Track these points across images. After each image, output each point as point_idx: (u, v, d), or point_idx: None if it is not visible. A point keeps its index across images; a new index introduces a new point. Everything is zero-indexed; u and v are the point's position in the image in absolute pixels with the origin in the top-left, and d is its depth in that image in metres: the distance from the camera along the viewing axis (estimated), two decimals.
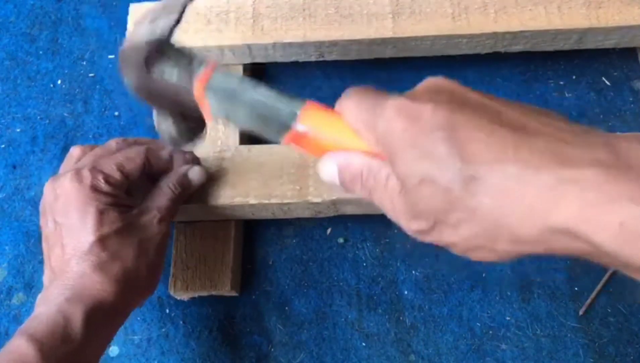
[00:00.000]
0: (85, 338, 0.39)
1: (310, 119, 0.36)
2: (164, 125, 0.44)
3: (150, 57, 0.40)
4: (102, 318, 0.41)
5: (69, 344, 0.38)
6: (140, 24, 0.41)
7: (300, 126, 0.36)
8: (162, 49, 0.40)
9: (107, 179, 0.43)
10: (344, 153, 0.34)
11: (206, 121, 0.41)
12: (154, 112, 0.44)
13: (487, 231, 0.28)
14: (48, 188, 0.44)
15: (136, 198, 0.47)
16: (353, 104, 0.33)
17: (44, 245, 0.44)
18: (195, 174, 0.49)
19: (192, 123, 0.44)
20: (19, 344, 0.38)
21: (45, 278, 0.44)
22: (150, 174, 0.48)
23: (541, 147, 0.27)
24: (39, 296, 0.42)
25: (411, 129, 0.30)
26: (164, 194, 0.47)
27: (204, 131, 0.46)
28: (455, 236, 0.30)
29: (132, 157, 0.46)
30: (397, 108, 0.30)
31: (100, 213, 0.42)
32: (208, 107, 0.39)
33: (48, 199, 0.44)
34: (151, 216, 0.45)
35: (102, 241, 0.41)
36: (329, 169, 0.35)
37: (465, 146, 0.28)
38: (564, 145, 0.27)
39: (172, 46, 0.41)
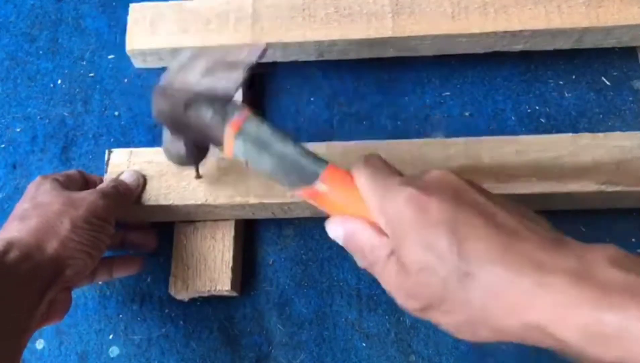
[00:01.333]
0: None
1: (330, 181, 0.39)
2: (175, 147, 0.47)
3: (192, 100, 0.42)
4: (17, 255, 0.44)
5: None
6: (188, 69, 0.43)
7: (320, 186, 0.39)
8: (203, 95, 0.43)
9: (61, 174, 0.53)
10: (352, 223, 0.37)
11: (227, 157, 0.44)
12: (166, 134, 0.47)
13: (472, 321, 0.32)
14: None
15: None
16: (366, 181, 0.37)
17: None
18: (125, 175, 0.54)
19: (201, 149, 0.49)
20: None
21: None
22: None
23: (525, 253, 0.31)
24: None
25: (418, 219, 0.33)
26: (101, 185, 0.53)
27: (206, 154, 0.50)
28: (444, 320, 0.34)
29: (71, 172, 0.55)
30: (407, 198, 0.34)
31: (42, 185, 0.50)
32: (232, 148, 0.42)
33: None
34: (89, 191, 0.50)
35: (32, 199, 0.48)
36: (336, 231, 0.39)
37: (463, 244, 0.32)
38: (543, 253, 0.31)
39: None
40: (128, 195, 0.52)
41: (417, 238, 0.33)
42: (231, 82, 0.43)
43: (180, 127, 0.45)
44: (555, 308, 0.29)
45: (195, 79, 0.43)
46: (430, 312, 0.34)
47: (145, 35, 0.60)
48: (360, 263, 0.38)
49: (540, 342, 0.31)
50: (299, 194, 0.41)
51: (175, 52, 0.59)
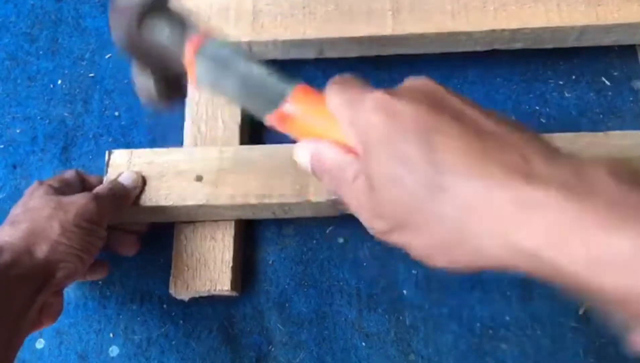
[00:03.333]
0: None
1: (298, 101, 0.36)
2: (143, 82, 0.43)
3: (143, 13, 0.39)
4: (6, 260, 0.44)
5: None
6: None
7: (287, 107, 0.35)
8: (156, 7, 0.39)
9: (56, 179, 0.53)
10: (318, 144, 0.34)
11: (191, 85, 0.40)
12: (134, 67, 0.43)
13: (446, 239, 0.28)
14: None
15: None
16: (336, 94, 0.33)
17: None
18: (124, 177, 0.53)
19: (172, 84, 0.44)
20: None
21: None
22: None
23: (509, 163, 0.26)
24: None
25: (388, 126, 0.29)
26: (97, 188, 0.53)
27: (183, 95, 0.46)
28: (414, 240, 0.30)
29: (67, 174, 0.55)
30: (376, 103, 0.30)
31: (37, 190, 0.50)
32: (195, 72, 0.38)
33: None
34: (82, 194, 0.50)
35: (24, 205, 0.49)
36: (302, 155, 0.35)
37: (437, 154, 0.28)
38: (533, 164, 0.26)
39: (166, 5, 0.40)
40: (124, 197, 0.52)
41: (385, 148, 0.29)
42: None
43: (140, 53, 0.41)
44: (552, 230, 0.24)
45: None
46: (399, 233, 0.30)
47: None
48: (328, 185, 0.35)
49: (530, 270, 0.26)
50: (272, 123, 0.37)
51: None
